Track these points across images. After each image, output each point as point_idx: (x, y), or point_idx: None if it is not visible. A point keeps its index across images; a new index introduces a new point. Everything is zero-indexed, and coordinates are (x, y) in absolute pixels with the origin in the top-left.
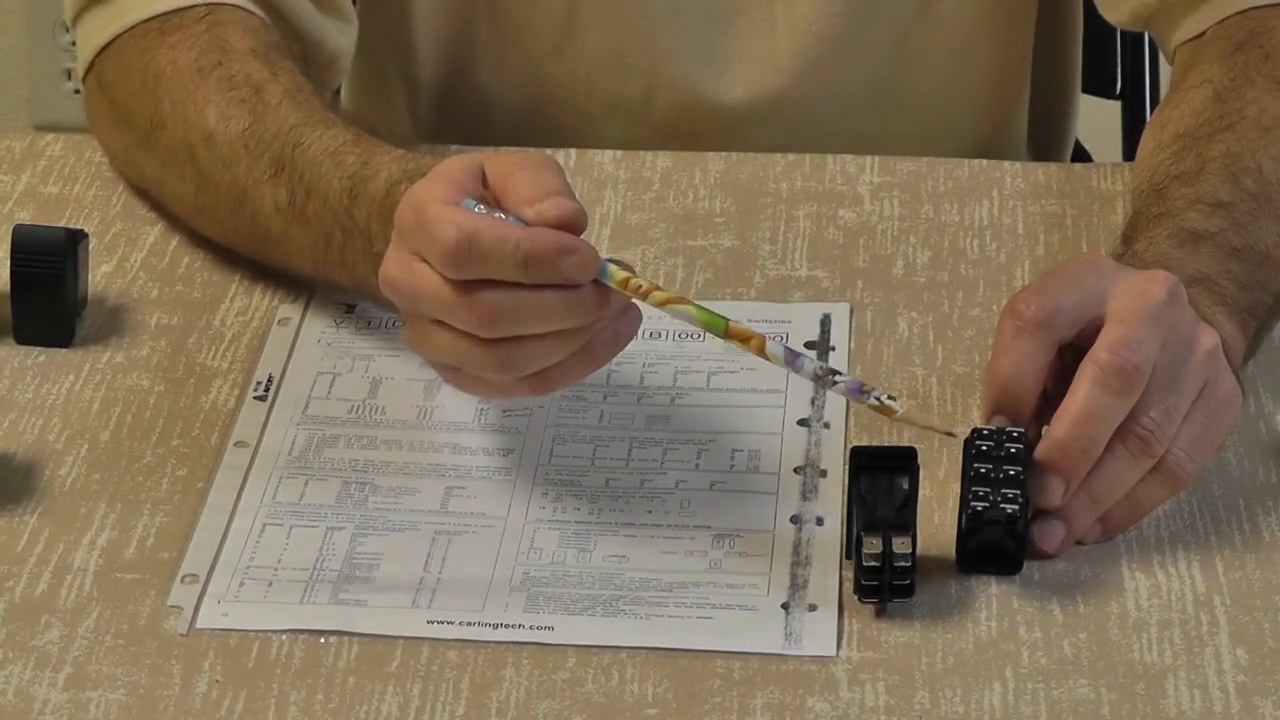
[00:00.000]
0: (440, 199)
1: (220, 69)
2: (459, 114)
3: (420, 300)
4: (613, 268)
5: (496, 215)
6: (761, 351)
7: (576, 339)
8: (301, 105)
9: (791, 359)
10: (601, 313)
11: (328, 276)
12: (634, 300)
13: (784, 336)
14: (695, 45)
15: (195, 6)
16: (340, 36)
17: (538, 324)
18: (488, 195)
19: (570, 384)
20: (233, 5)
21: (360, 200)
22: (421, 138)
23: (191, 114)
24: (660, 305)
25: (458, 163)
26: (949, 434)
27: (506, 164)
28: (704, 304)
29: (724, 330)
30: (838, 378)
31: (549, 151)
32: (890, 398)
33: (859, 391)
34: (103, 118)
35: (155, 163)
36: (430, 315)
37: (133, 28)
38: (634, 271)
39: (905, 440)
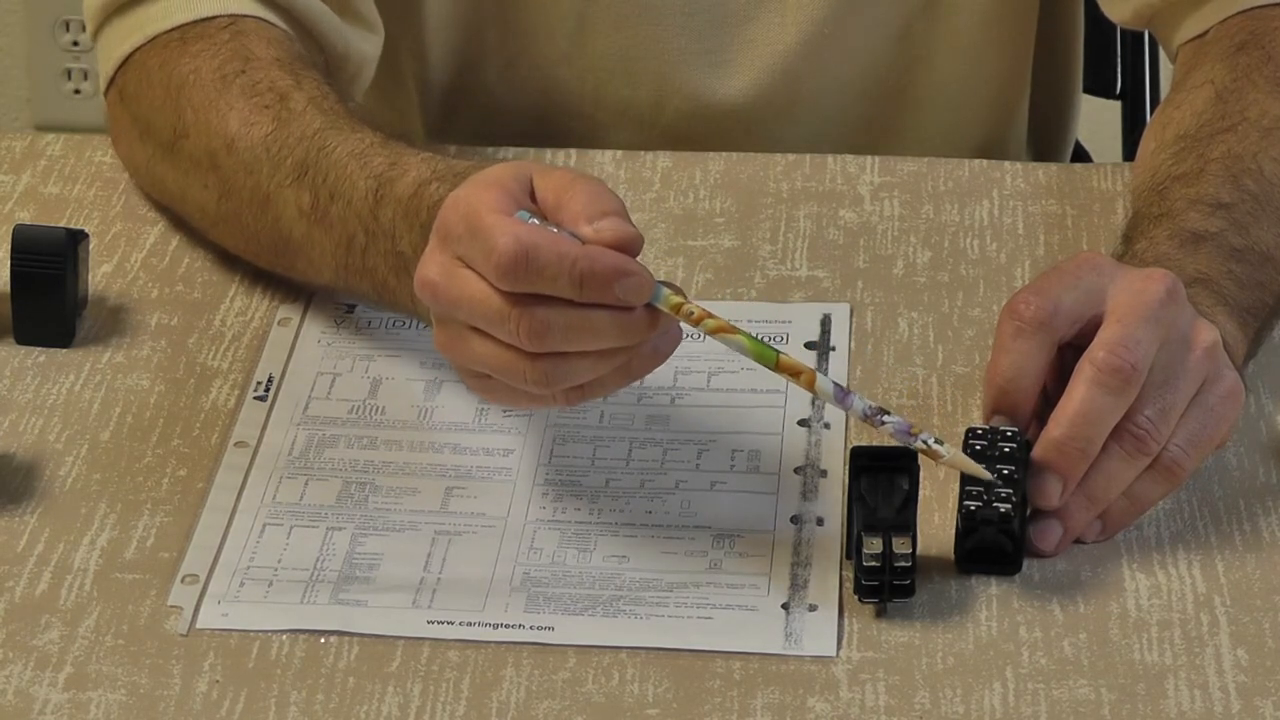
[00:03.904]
0: (494, 208)
1: (243, 77)
2: (468, 117)
3: (463, 308)
4: (667, 292)
5: (551, 229)
6: (811, 386)
7: (620, 356)
8: (327, 111)
9: (841, 396)
10: (650, 335)
11: (349, 283)
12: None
13: (785, 338)
14: (706, 50)
15: (217, 18)
16: (365, 45)
17: (587, 342)
18: (536, 208)
19: (605, 396)
20: (255, 17)
21: (386, 201)
22: (430, 138)
23: (214, 121)
24: (712, 333)
25: (507, 171)
26: (993, 483)
27: (561, 178)
28: (757, 336)
29: (775, 363)
30: (886, 418)
31: (552, 154)
32: (938, 441)
33: (906, 433)
34: (125, 132)
35: (178, 173)
36: (472, 324)
37: (154, 39)
38: (686, 296)
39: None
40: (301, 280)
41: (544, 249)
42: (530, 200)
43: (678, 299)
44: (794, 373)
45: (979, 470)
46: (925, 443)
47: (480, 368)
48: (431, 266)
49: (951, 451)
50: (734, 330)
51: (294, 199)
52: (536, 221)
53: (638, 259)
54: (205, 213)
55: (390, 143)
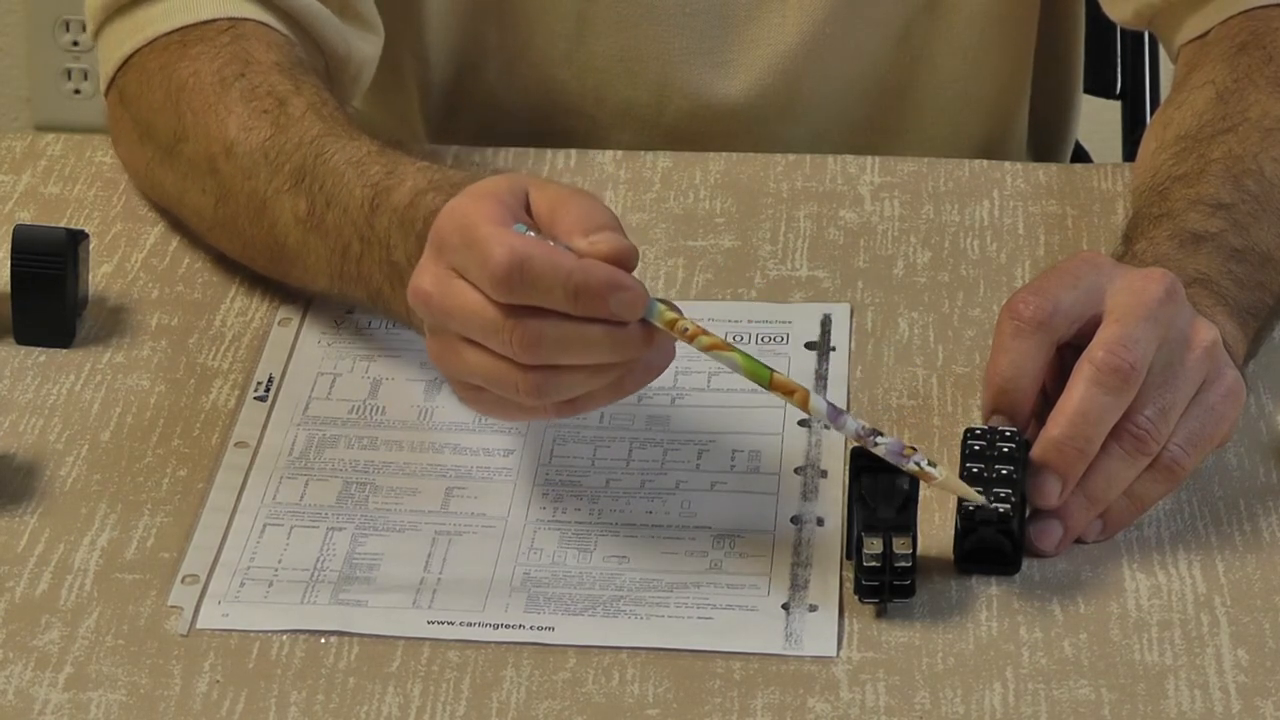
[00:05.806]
0: (490, 219)
1: (243, 80)
2: (468, 118)
3: (457, 319)
4: (661, 307)
5: (547, 242)
6: (805, 405)
7: (613, 371)
8: (325, 118)
9: (834, 415)
10: (643, 351)
11: (344, 290)
12: (678, 341)
13: (785, 338)
14: (707, 49)
15: (217, 20)
16: (365, 45)
17: (580, 356)
18: (531, 221)
19: (596, 410)
20: (255, 20)
21: (382, 209)
22: (430, 139)
23: (213, 125)
24: (706, 350)
25: (503, 183)
26: (986, 505)
27: (556, 192)
28: (749, 352)
29: (769, 381)
30: (879, 439)
31: (553, 155)
32: (930, 464)
33: (899, 455)
34: (125, 134)
35: (176, 176)
36: (466, 335)
37: (154, 41)
38: (680, 312)
39: (906, 441)
40: (297, 286)
41: (539, 260)
42: (525, 213)
43: (672, 315)
44: (788, 391)
45: (971, 494)
46: (918, 464)
47: (472, 379)
48: (426, 276)
49: (945, 474)
50: (728, 348)
51: (290, 205)
52: (533, 235)
53: (633, 273)
54: (203, 217)
55: (387, 151)
